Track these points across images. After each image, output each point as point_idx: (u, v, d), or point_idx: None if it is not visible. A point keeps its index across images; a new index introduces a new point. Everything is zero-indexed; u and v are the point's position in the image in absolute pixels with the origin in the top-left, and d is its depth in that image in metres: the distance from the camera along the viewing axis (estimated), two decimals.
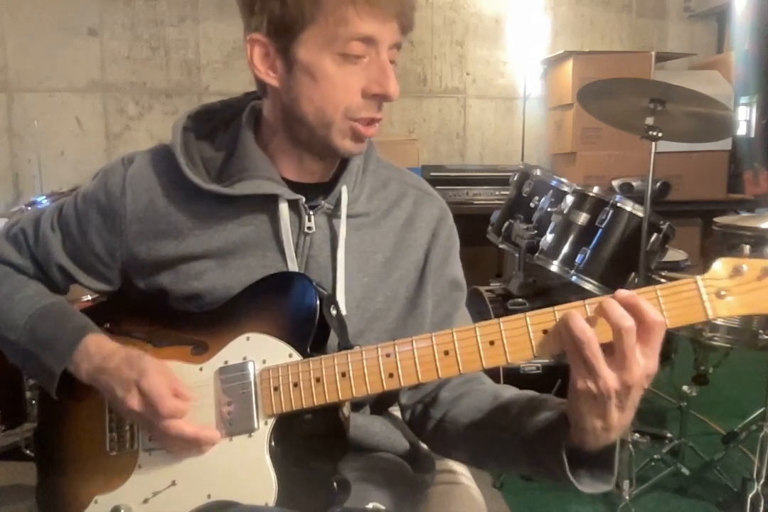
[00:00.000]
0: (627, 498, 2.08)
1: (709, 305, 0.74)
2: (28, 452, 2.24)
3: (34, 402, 2.13)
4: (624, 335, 0.72)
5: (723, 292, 0.74)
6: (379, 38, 0.90)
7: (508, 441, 0.90)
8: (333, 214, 1.01)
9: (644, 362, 0.73)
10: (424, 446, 1.14)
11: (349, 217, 1.00)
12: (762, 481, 2.02)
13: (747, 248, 1.89)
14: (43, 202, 2.58)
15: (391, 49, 0.92)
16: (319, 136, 0.94)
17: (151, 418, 0.88)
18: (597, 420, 0.76)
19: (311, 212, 0.99)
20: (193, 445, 0.89)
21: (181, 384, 0.90)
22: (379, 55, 0.91)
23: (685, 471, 2.27)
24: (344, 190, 1.00)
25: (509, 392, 0.99)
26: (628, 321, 0.72)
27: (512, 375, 2.26)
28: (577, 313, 0.74)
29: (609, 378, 0.73)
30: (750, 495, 2.02)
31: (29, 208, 2.52)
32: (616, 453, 0.81)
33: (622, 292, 0.74)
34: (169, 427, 0.88)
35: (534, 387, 0.99)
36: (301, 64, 0.91)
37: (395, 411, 1.15)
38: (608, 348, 0.74)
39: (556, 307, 0.77)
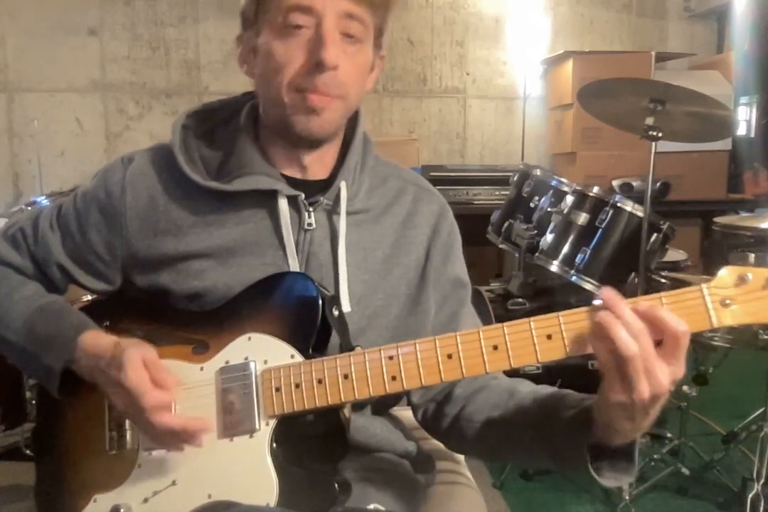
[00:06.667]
0: (627, 498, 2.08)
1: (713, 313, 0.73)
2: (28, 452, 2.24)
3: (34, 402, 2.13)
4: (641, 340, 0.72)
5: (728, 301, 0.73)
6: (316, 6, 0.89)
7: (529, 438, 0.91)
8: (332, 211, 1.00)
9: (670, 369, 0.73)
10: (425, 446, 1.14)
11: (348, 213, 1.00)
12: (762, 481, 2.02)
13: (752, 256, 1.91)
14: (43, 202, 2.57)
15: (342, 19, 0.91)
16: (279, 118, 0.95)
17: (136, 415, 0.87)
18: (626, 423, 0.77)
19: (311, 208, 0.99)
20: (185, 438, 0.87)
21: (164, 372, 0.88)
22: (320, 24, 0.90)
23: (685, 471, 2.27)
24: (343, 185, 1.00)
25: (525, 387, 1.00)
26: (639, 325, 0.72)
27: (512, 376, 2.25)
28: (617, 324, 0.73)
29: (644, 391, 0.73)
30: (750, 495, 2.02)
31: (29, 208, 2.52)
32: (636, 446, 0.82)
33: (642, 305, 0.74)
34: (153, 422, 0.85)
35: None
36: (259, 49, 0.94)
37: (396, 411, 1.15)
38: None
39: (561, 313, 0.77)
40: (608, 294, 0.75)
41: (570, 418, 0.85)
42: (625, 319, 0.73)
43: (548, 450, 0.88)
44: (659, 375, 0.72)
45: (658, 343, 0.73)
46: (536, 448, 0.90)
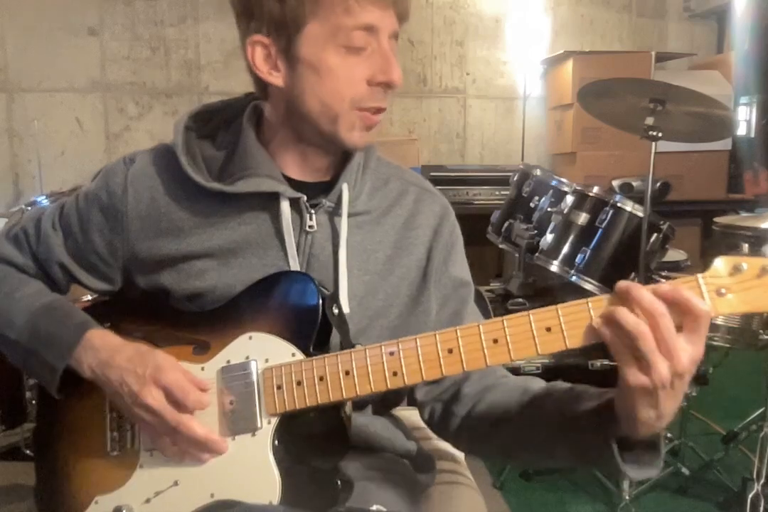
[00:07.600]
0: (627, 498, 2.09)
1: (710, 302, 0.74)
2: (28, 452, 2.25)
3: (34, 402, 2.13)
4: (660, 321, 0.72)
5: (723, 290, 0.74)
6: (380, 26, 0.91)
7: (547, 434, 0.89)
8: (334, 213, 1.01)
9: (691, 349, 0.72)
10: (425, 446, 1.14)
11: (350, 215, 1.00)
12: (762, 481, 2.02)
13: (746, 247, 1.91)
14: (43, 202, 2.57)
15: (390, 39, 0.94)
16: (326, 131, 0.95)
17: (166, 415, 0.87)
18: (650, 411, 0.76)
19: (312, 211, 0.99)
20: (196, 450, 0.89)
21: (195, 377, 0.90)
22: (380, 43, 0.92)
23: (685, 471, 2.28)
24: (345, 187, 1.00)
25: (537, 384, 0.99)
26: (660, 307, 0.72)
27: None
28: (623, 308, 0.73)
29: (662, 369, 0.72)
30: (750, 495, 2.03)
31: (29, 208, 2.52)
32: (662, 438, 0.82)
33: (662, 287, 0.74)
34: (180, 424, 0.87)
35: None
36: (304, 60, 0.92)
37: (396, 411, 1.15)
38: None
39: (559, 305, 0.77)
40: (624, 283, 0.75)
41: (592, 412, 0.84)
42: (641, 302, 0.73)
43: (570, 445, 0.87)
44: (680, 352, 0.72)
45: (678, 328, 0.73)
46: (556, 444, 0.89)
